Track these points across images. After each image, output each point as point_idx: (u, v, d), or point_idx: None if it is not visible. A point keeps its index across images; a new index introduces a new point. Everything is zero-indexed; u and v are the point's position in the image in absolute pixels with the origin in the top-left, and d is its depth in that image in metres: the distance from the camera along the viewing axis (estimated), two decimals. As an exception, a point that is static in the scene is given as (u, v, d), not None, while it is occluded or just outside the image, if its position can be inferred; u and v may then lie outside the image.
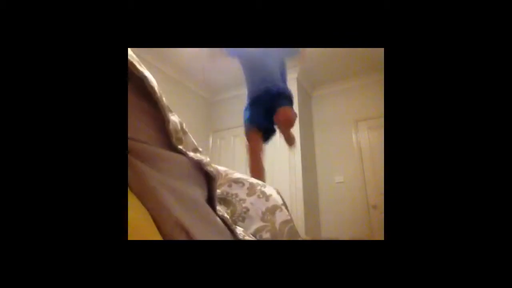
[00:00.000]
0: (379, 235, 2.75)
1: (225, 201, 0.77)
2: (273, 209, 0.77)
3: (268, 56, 2.03)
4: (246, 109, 2.05)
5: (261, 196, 0.80)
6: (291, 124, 1.92)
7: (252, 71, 2.04)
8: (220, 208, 0.54)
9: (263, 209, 0.77)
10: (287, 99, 1.94)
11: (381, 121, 3.13)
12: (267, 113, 1.93)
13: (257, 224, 0.73)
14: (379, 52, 2.93)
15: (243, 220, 0.73)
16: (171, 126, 0.44)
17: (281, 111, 1.84)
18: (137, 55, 0.45)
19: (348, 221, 3.04)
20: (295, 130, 3.23)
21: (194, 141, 0.52)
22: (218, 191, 0.77)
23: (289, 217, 0.78)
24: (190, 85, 3.70)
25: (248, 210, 0.75)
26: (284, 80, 2.05)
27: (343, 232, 3.00)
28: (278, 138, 3.50)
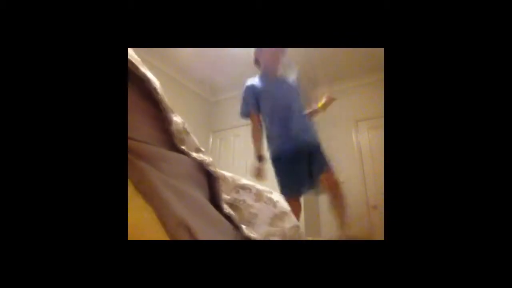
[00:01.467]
0: (379, 235, 2.75)
1: (233, 207, 0.77)
2: (281, 215, 0.78)
3: (292, 98, 1.73)
4: (279, 175, 1.65)
5: (268, 202, 0.80)
6: (339, 189, 1.60)
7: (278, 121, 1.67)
8: (226, 206, 0.54)
9: (271, 215, 0.77)
10: (321, 152, 1.65)
11: (381, 121, 3.13)
12: (303, 171, 1.60)
13: (266, 229, 0.73)
14: (379, 52, 2.93)
15: (252, 226, 0.73)
16: (173, 127, 0.44)
17: (325, 178, 1.56)
18: (137, 55, 0.45)
19: (348, 221, 3.04)
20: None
21: (196, 141, 0.52)
22: (227, 196, 0.78)
23: (297, 223, 0.79)
24: (190, 85, 3.70)
25: (256, 216, 0.76)
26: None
27: (343, 232, 2.99)
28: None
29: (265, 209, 0.78)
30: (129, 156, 0.38)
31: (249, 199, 0.80)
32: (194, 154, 0.48)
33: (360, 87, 3.47)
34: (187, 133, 0.49)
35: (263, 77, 1.83)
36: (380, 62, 3.09)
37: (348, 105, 3.48)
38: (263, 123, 1.77)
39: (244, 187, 0.83)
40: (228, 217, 0.52)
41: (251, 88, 1.79)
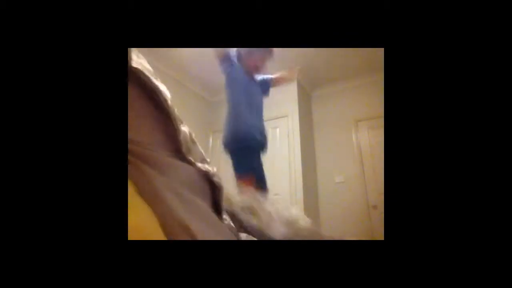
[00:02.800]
0: (379, 235, 2.75)
1: (250, 209, 0.79)
2: (296, 219, 0.80)
3: (256, 93, 1.92)
4: (245, 157, 1.76)
5: (282, 206, 0.83)
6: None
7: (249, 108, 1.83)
8: (226, 217, 0.55)
9: (287, 216, 0.79)
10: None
11: (381, 121, 3.13)
12: (258, 157, 1.81)
13: (281, 231, 0.75)
14: (379, 52, 2.93)
15: (269, 228, 0.75)
16: (181, 137, 0.45)
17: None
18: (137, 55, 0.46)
19: (348, 221, 3.04)
20: (295, 130, 3.23)
21: (202, 151, 0.53)
22: (237, 199, 0.80)
23: (310, 225, 0.81)
24: (190, 85, 3.70)
25: (272, 218, 0.78)
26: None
27: (343, 232, 3.00)
28: (277, 138, 3.51)
29: (280, 212, 0.80)
30: (136, 161, 0.39)
31: (263, 203, 0.82)
32: (199, 164, 0.49)
33: (360, 87, 3.47)
34: (194, 142, 0.51)
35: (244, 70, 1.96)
36: (380, 62, 3.09)
37: (348, 105, 3.49)
38: (232, 104, 1.88)
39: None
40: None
41: (235, 65, 1.96)
